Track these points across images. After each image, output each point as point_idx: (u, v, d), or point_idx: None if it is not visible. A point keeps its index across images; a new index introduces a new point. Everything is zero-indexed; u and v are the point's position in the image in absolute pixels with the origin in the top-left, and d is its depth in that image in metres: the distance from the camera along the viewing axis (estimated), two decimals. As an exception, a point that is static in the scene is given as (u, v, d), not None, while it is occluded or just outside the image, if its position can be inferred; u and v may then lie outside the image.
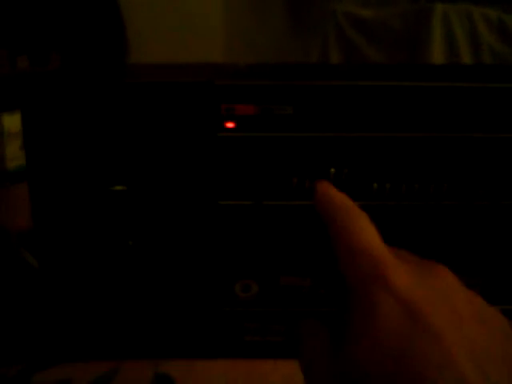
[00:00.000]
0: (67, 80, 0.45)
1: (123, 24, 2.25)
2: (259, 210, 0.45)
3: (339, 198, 0.40)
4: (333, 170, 0.44)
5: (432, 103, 0.44)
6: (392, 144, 0.44)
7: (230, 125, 0.43)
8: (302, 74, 0.50)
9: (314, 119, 0.44)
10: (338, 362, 0.34)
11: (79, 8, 2.14)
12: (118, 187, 0.45)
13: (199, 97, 0.43)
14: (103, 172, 0.45)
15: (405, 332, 0.31)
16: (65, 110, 0.44)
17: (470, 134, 0.44)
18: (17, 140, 1.04)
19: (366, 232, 0.36)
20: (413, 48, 1.64)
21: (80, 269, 0.47)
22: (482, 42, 1.59)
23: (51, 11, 2.09)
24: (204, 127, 0.43)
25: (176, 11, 2.31)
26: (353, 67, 0.57)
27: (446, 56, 1.60)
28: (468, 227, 0.46)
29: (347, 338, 0.34)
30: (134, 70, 0.56)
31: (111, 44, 2.24)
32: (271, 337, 0.49)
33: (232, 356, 0.49)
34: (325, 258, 0.47)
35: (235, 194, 0.45)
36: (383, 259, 0.34)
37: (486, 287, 0.48)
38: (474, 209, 0.46)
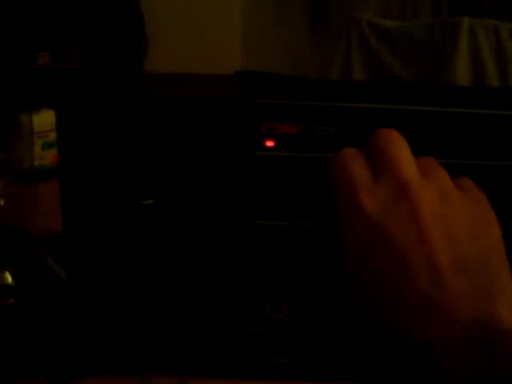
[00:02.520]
0: (104, 86, 0.44)
1: (142, 21, 2.25)
2: (295, 231, 0.45)
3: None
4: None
5: (477, 129, 0.43)
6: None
7: (269, 143, 0.42)
8: (344, 93, 0.49)
9: (356, 141, 0.43)
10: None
11: (99, 4, 2.14)
12: (150, 201, 0.45)
13: (240, 113, 0.42)
14: (136, 185, 0.44)
15: (371, 255, 0.32)
16: (101, 119, 0.43)
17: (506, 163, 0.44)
18: (39, 139, 1.03)
19: (350, 163, 0.36)
20: (437, 61, 1.62)
21: (108, 281, 0.47)
22: (508, 58, 1.58)
23: (72, 7, 2.09)
24: (243, 145, 0.43)
25: (195, 15, 2.31)
26: (393, 87, 0.56)
27: (471, 70, 1.59)
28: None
29: None
30: (167, 80, 0.55)
31: (130, 40, 2.24)
32: (301, 359, 0.48)
33: (261, 377, 0.48)
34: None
35: (272, 214, 0.44)
36: (359, 183, 0.34)
37: None
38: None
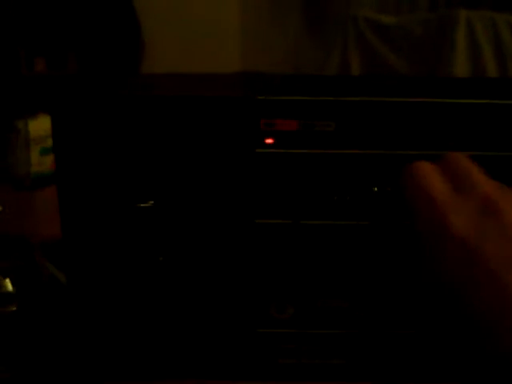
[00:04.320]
0: (99, 90, 0.43)
1: (139, 26, 2.25)
2: (297, 230, 0.44)
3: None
4: (375, 188, 0.43)
5: (475, 120, 0.42)
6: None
7: (269, 140, 0.42)
8: (343, 88, 0.48)
9: (356, 136, 0.42)
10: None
11: (95, 9, 2.14)
12: (150, 203, 0.44)
13: (239, 111, 0.41)
14: (135, 187, 0.44)
15: (466, 276, 0.32)
16: (97, 122, 0.43)
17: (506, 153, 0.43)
18: (36, 146, 1.03)
19: (428, 178, 0.36)
20: (435, 55, 1.62)
21: (109, 285, 0.46)
22: (506, 50, 1.57)
23: (68, 12, 2.09)
24: (242, 143, 0.42)
25: (192, 18, 2.30)
26: (392, 80, 0.56)
27: (470, 63, 1.58)
28: None
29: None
30: (163, 81, 0.54)
31: (127, 45, 2.24)
32: (307, 359, 0.47)
33: (266, 379, 0.47)
34: (364, 280, 0.45)
35: (272, 213, 0.44)
36: (445, 205, 0.34)
37: None
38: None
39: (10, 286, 0.57)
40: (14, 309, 0.54)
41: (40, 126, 1.02)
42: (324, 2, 2.29)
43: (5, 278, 0.57)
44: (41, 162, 1.02)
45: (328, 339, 0.47)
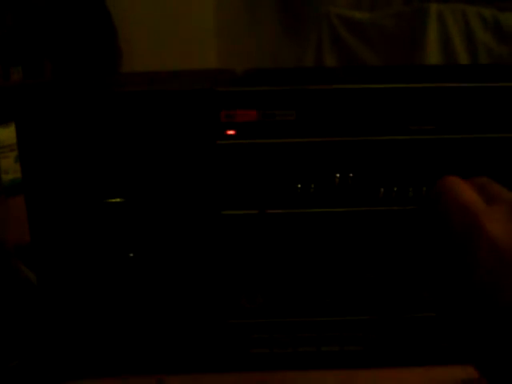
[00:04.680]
0: (61, 91, 0.44)
1: (115, 31, 2.24)
2: (263, 219, 0.44)
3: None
4: (338, 174, 0.43)
5: (434, 104, 0.43)
6: (397, 147, 0.43)
7: (230, 132, 0.42)
8: (303, 78, 0.49)
9: (317, 124, 0.42)
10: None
11: (71, 17, 2.13)
12: (116, 199, 0.44)
13: (199, 104, 0.42)
14: (100, 184, 0.44)
15: (500, 277, 0.33)
16: (59, 122, 0.43)
17: (480, 135, 0.43)
18: (11, 152, 1.02)
19: (461, 189, 0.38)
20: (408, 49, 1.63)
21: (80, 283, 0.46)
22: (477, 41, 1.58)
23: (44, 21, 2.08)
24: (203, 135, 0.42)
25: (167, 18, 2.30)
26: (353, 70, 0.56)
27: (442, 56, 1.60)
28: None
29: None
30: (130, 78, 0.54)
31: (103, 52, 2.24)
32: (279, 348, 0.47)
33: (239, 369, 0.48)
34: (332, 266, 0.46)
35: (238, 204, 0.44)
36: (479, 210, 0.36)
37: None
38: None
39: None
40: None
41: (14, 133, 1.01)
42: (298, 0, 2.30)
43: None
44: (16, 169, 1.01)
45: (299, 327, 0.47)
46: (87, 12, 2.20)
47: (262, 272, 0.46)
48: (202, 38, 2.42)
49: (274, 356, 0.48)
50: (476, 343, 0.35)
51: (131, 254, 0.45)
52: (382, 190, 0.44)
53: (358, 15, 1.82)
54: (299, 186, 0.43)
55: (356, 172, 0.43)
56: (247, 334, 0.47)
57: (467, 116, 0.43)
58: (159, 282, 0.46)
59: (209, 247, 0.45)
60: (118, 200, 0.44)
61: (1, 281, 0.61)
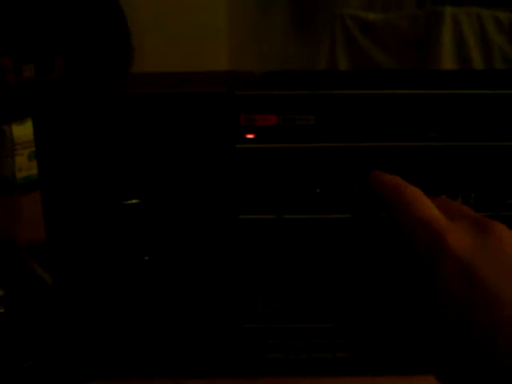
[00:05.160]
0: (80, 89, 0.43)
1: (128, 30, 2.24)
2: (280, 224, 0.44)
3: (393, 180, 0.41)
4: (356, 181, 0.43)
5: (455, 111, 0.42)
6: (417, 153, 0.43)
7: (249, 136, 0.42)
8: (322, 82, 0.48)
9: (337, 129, 0.42)
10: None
11: (83, 14, 2.13)
12: (133, 201, 0.44)
13: (218, 107, 0.41)
14: (117, 185, 0.44)
15: (463, 293, 0.33)
16: (77, 121, 0.43)
17: (494, 143, 0.43)
18: (24, 150, 1.02)
19: (424, 205, 0.38)
20: (422, 51, 1.62)
21: (94, 284, 0.46)
22: (492, 44, 1.57)
23: (56, 17, 2.09)
24: (223, 138, 0.42)
25: (180, 19, 2.30)
26: (371, 74, 0.56)
27: (456, 59, 1.59)
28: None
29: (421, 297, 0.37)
30: (146, 79, 0.54)
31: (115, 49, 2.24)
32: (293, 354, 0.47)
33: (253, 374, 0.47)
34: (348, 273, 0.45)
35: (256, 208, 0.44)
36: (441, 227, 0.36)
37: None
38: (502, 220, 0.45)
39: (-3, 289, 0.57)
40: (3, 311, 0.54)
41: (28, 130, 1.02)
42: (311, 1, 2.29)
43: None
44: (30, 167, 1.02)
45: (314, 333, 0.47)
46: (100, 9, 2.20)
47: (278, 277, 0.45)
48: (213, 37, 2.42)
49: (289, 361, 0.47)
50: (439, 354, 0.35)
51: (146, 257, 0.45)
52: None
53: (371, 16, 1.81)
54: (318, 191, 0.43)
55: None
56: (262, 339, 0.47)
57: (488, 123, 0.43)
58: (175, 285, 0.46)
59: (225, 251, 0.45)
60: (134, 201, 0.44)
61: (13, 279, 0.61)
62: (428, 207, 0.38)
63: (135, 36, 2.24)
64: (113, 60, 2.18)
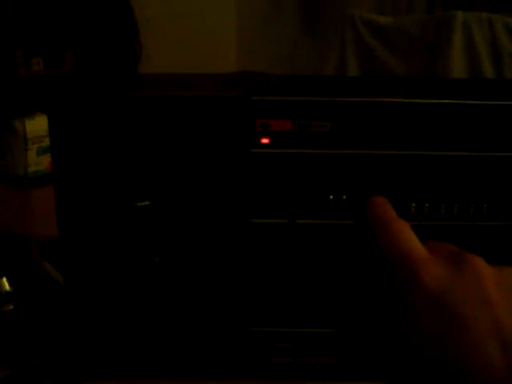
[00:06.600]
0: (95, 88, 0.44)
1: (136, 27, 2.25)
2: (293, 229, 0.44)
3: (383, 215, 0.41)
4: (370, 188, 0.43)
5: (469, 121, 0.42)
6: (433, 162, 0.43)
7: (264, 140, 0.42)
8: (338, 88, 0.48)
9: (352, 136, 0.42)
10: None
11: (93, 9, 2.14)
12: (145, 202, 0.44)
13: (234, 111, 0.42)
14: (131, 185, 0.44)
15: (435, 324, 0.34)
16: (93, 120, 0.43)
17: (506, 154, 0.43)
18: (33, 145, 1.03)
19: (402, 238, 0.39)
20: (432, 56, 1.62)
21: (105, 284, 0.46)
22: (502, 50, 1.57)
23: (65, 12, 2.09)
24: (238, 143, 0.42)
25: (189, 19, 2.30)
26: (386, 81, 0.56)
27: (466, 64, 1.59)
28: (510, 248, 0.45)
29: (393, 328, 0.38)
30: (157, 81, 0.54)
31: (124, 45, 2.24)
32: (302, 358, 0.47)
33: (261, 377, 0.47)
34: (359, 279, 0.45)
35: (268, 212, 0.44)
36: (419, 258, 0.37)
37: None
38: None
39: (6, 285, 0.57)
40: (11, 308, 0.54)
41: (37, 125, 1.02)
42: (321, 2, 2.29)
43: (1, 277, 0.57)
44: (38, 162, 1.02)
45: (323, 338, 0.47)
46: (109, 5, 2.21)
47: (288, 281, 0.46)
48: (222, 38, 2.42)
49: (297, 365, 0.47)
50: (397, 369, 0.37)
51: (157, 259, 0.45)
52: (414, 205, 0.44)
53: (382, 19, 1.81)
54: (331, 197, 0.43)
55: (387, 186, 0.43)
56: (270, 343, 0.47)
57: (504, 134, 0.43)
58: (185, 286, 0.46)
59: (237, 254, 0.45)
60: (147, 203, 0.44)
61: (22, 277, 0.61)
62: (410, 241, 0.38)
63: (144, 34, 2.24)
64: (121, 55, 2.19)
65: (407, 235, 0.39)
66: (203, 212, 0.44)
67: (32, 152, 1.02)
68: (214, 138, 0.42)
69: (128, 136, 0.43)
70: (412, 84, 0.53)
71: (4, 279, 0.57)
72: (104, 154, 0.43)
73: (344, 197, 0.43)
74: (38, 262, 0.62)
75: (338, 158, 0.42)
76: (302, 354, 0.47)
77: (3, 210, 0.80)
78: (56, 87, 0.43)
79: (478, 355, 0.31)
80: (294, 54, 2.34)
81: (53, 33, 2.13)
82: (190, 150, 0.43)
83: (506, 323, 0.32)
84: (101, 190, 0.44)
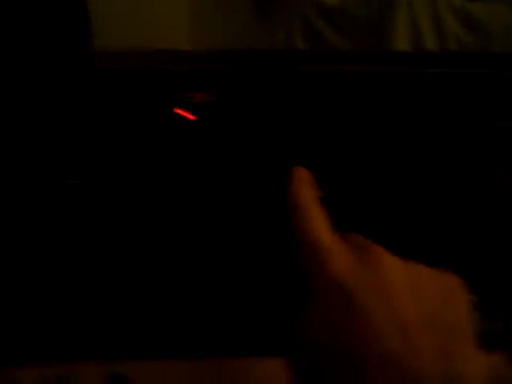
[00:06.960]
0: (27, 63, 0.43)
1: (86, 8, 2.20)
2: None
3: (296, 190, 0.41)
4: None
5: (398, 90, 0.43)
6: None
7: (185, 112, 0.42)
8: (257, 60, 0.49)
9: (265, 106, 0.42)
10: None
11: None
12: (74, 181, 0.44)
13: (156, 83, 0.41)
14: (59, 164, 0.43)
15: (337, 312, 0.35)
16: (23, 95, 0.42)
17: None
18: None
19: (311, 226, 0.39)
20: (377, 36, 1.63)
21: (33, 265, 0.45)
22: (446, 30, 1.59)
23: (9, 3, 2.04)
24: (159, 115, 0.42)
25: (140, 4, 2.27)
26: (321, 53, 0.56)
27: (410, 44, 1.60)
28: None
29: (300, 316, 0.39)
30: (99, 55, 0.54)
31: (74, 28, 2.20)
32: (240, 334, 0.47)
33: (198, 356, 0.47)
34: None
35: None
36: (326, 250, 0.38)
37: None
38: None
39: None
40: None
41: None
42: (270, -15, 2.29)
43: None
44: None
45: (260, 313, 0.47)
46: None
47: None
48: (173, 18, 2.39)
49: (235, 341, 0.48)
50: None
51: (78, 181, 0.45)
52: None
53: (328, 1, 1.81)
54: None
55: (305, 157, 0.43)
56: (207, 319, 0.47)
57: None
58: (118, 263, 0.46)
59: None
60: (77, 182, 0.44)
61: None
62: (319, 230, 0.39)
63: (94, 14, 2.20)
64: (71, 37, 2.14)
65: (316, 223, 0.40)
66: (135, 188, 0.44)
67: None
68: (137, 111, 0.42)
69: (53, 112, 0.42)
70: (340, 55, 0.53)
71: None
72: (32, 127, 0.42)
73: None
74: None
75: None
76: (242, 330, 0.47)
77: None
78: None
79: (378, 340, 0.33)
80: (244, 35, 2.33)
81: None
82: (115, 124, 0.42)
83: (404, 310, 0.34)
84: (30, 168, 0.43)
